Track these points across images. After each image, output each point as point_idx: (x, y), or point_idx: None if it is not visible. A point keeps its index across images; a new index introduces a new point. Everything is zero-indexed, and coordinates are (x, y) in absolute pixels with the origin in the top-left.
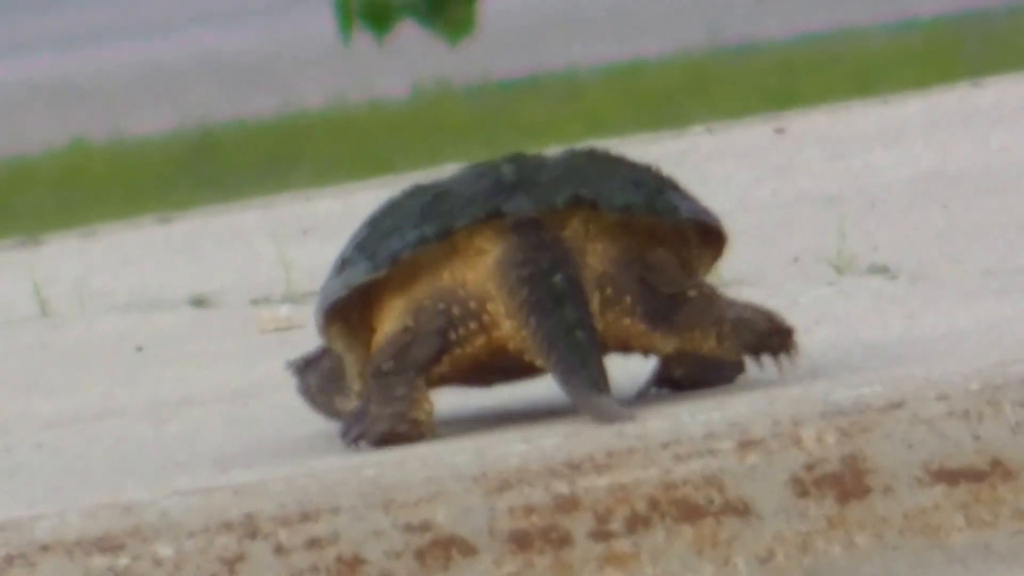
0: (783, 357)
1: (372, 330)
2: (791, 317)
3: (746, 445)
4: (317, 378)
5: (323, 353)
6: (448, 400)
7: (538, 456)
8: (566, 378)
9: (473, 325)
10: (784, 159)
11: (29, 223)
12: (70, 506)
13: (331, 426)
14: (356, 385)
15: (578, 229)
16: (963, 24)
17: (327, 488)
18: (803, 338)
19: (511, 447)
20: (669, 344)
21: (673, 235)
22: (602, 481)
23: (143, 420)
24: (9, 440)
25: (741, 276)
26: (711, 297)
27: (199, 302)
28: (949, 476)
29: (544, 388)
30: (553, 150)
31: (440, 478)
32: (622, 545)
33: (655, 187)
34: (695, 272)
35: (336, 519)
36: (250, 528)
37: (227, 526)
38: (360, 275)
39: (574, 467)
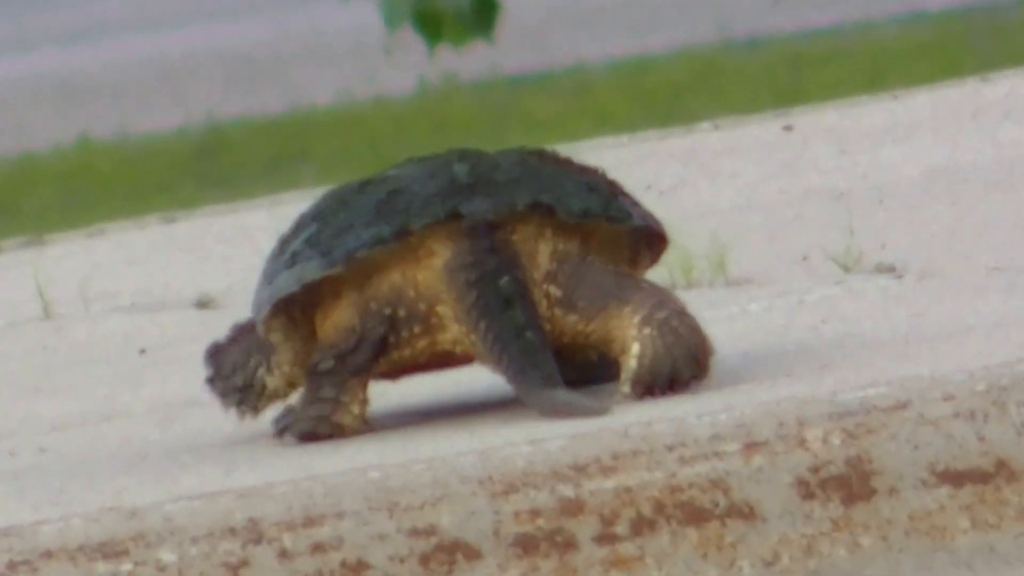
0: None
1: (312, 324)
2: (798, 316)
3: (751, 447)
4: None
5: (228, 346)
6: (448, 393)
7: (544, 458)
8: (520, 378)
9: (417, 328)
10: (792, 155)
11: (34, 222)
12: (74, 510)
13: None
14: (286, 368)
15: (532, 232)
16: (972, 18)
17: (332, 491)
18: (810, 337)
19: (517, 449)
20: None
21: (617, 239)
22: (608, 483)
23: (148, 422)
24: (13, 443)
25: (749, 274)
26: (657, 292)
27: (204, 303)
28: (954, 477)
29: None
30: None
31: (445, 481)
32: (627, 548)
33: (608, 193)
34: (635, 272)
35: (340, 523)
36: (254, 533)
37: (231, 531)
38: (314, 271)
39: (580, 469)
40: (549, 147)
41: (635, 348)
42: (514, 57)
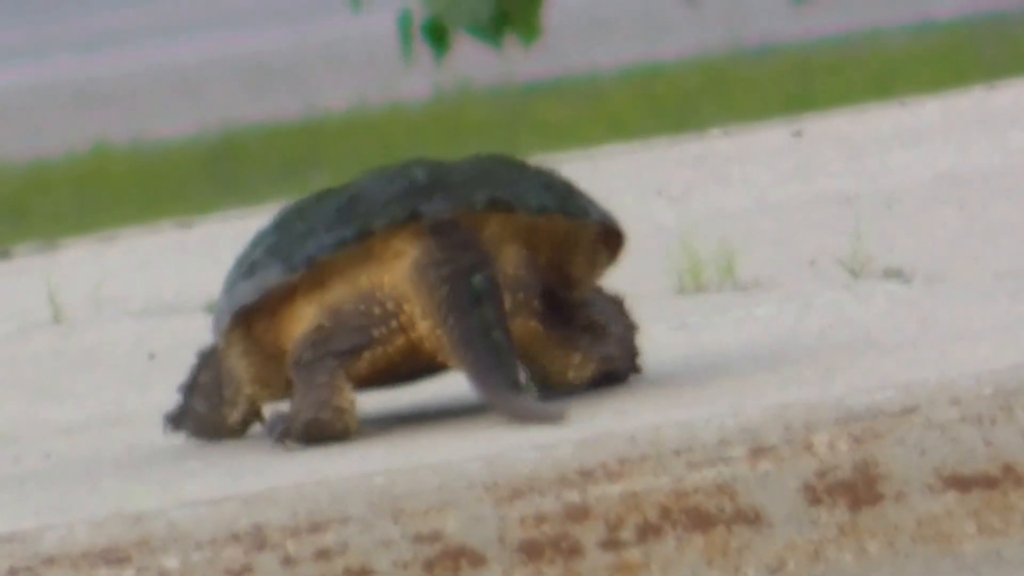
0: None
1: (274, 337)
2: (805, 320)
3: (758, 452)
4: (203, 401)
5: (198, 371)
6: (454, 398)
7: (550, 464)
8: (481, 378)
9: (393, 324)
10: (802, 161)
11: (48, 227)
12: (78, 516)
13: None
14: (247, 389)
15: (494, 231)
16: (979, 27)
17: (337, 497)
18: (817, 342)
19: (523, 454)
20: (551, 355)
21: (576, 238)
22: (614, 489)
23: (154, 427)
24: (18, 449)
25: (757, 278)
26: (595, 327)
27: (214, 308)
28: (961, 482)
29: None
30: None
31: (451, 486)
32: (632, 554)
33: (564, 191)
34: (592, 273)
35: (345, 529)
36: (258, 539)
37: (235, 537)
38: (275, 278)
39: (586, 475)
40: (565, 153)
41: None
42: (527, 64)
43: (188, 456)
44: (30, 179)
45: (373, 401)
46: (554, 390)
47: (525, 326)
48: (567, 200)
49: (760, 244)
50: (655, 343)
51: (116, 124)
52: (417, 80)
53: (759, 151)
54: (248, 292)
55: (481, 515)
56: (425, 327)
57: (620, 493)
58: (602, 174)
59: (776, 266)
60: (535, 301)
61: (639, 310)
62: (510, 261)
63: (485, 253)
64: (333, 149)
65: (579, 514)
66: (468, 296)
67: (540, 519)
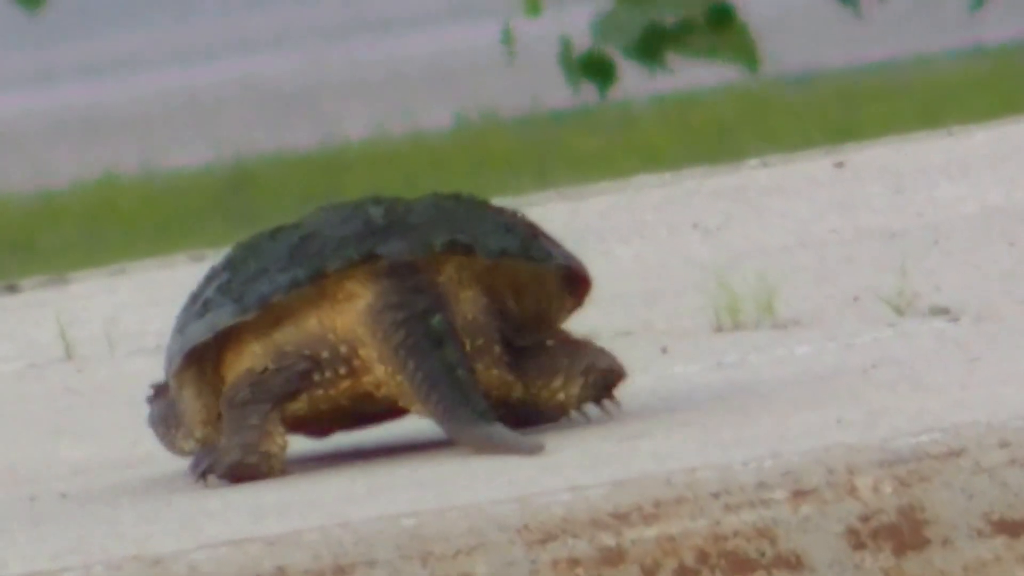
0: (611, 401)
1: (225, 377)
2: (848, 359)
3: (799, 495)
4: (162, 407)
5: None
6: None
7: (584, 506)
8: (450, 415)
9: (342, 370)
10: (844, 193)
11: (57, 260)
12: (96, 558)
13: (367, 473)
14: (198, 433)
15: (451, 275)
16: None
17: (363, 539)
18: (861, 382)
19: (556, 496)
20: (525, 392)
21: (539, 281)
22: (650, 532)
23: (173, 467)
24: (34, 489)
25: (797, 316)
26: (567, 347)
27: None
28: (1010, 527)
29: None
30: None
31: (481, 529)
32: None
33: (527, 233)
34: (556, 318)
35: (371, 572)
36: None
37: None
38: (226, 318)
39: (621, 517)
40: (595, 185)
41: (572, 412)
42: (556, 91)
43: (208, 496)
44: (37, 210)
45: (394, 437)
46: (558, 421)
47: (488, 373)
48: (529, 243)
49: (800, 280)
50: (691, 383)
51: (126, 153)
52: (438, 107)
53: (799, 183)
54: (200, 332)
55: (512, 559)
56: (382, 372)
57: (656, 536)
58: (634, 206)
59: (817, 303)
60: (495, 347)
61: (673, 348)
62: (468, 306)
63: (441, 295)
64: (352, 180)
65: (614, 558)
66: (427, 339)
67: (573, 563)
